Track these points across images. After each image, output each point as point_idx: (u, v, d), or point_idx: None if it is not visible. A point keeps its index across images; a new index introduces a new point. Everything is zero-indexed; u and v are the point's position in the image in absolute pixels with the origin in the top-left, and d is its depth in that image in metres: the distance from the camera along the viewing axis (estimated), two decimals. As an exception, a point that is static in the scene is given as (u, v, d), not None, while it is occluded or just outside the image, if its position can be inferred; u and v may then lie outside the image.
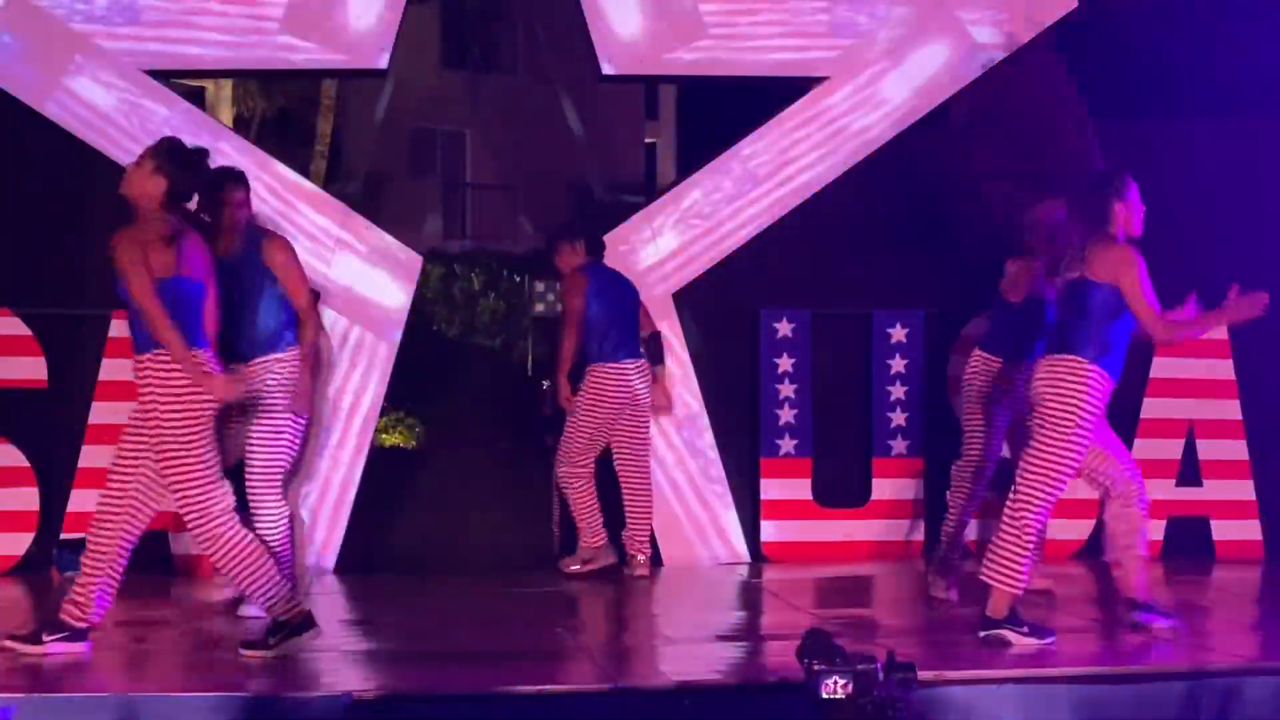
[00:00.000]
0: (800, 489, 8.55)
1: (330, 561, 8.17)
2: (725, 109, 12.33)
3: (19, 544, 7.98)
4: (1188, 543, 8.62)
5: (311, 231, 8.27)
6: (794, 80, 8.74)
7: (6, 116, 8.10)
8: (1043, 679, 5.40)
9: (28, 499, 7.99)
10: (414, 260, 8.44)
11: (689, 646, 6.28)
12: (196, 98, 10.18)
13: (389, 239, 8.41)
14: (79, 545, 7.86)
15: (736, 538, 8.54)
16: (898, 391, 8.63)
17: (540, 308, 19.65)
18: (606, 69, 8.58)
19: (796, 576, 8.05)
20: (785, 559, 8.48)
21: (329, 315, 8.21)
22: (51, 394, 8.02)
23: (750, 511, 8.57)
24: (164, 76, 8.36)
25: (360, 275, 8.28)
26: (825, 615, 6.93)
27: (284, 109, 23.48)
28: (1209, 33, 9.69)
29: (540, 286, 15.39)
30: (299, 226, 8.25)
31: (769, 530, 8.55)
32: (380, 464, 8.39)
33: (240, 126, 23.42)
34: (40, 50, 8.08)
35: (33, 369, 7.99)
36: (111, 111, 8.12)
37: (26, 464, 7.99)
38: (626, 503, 8.20)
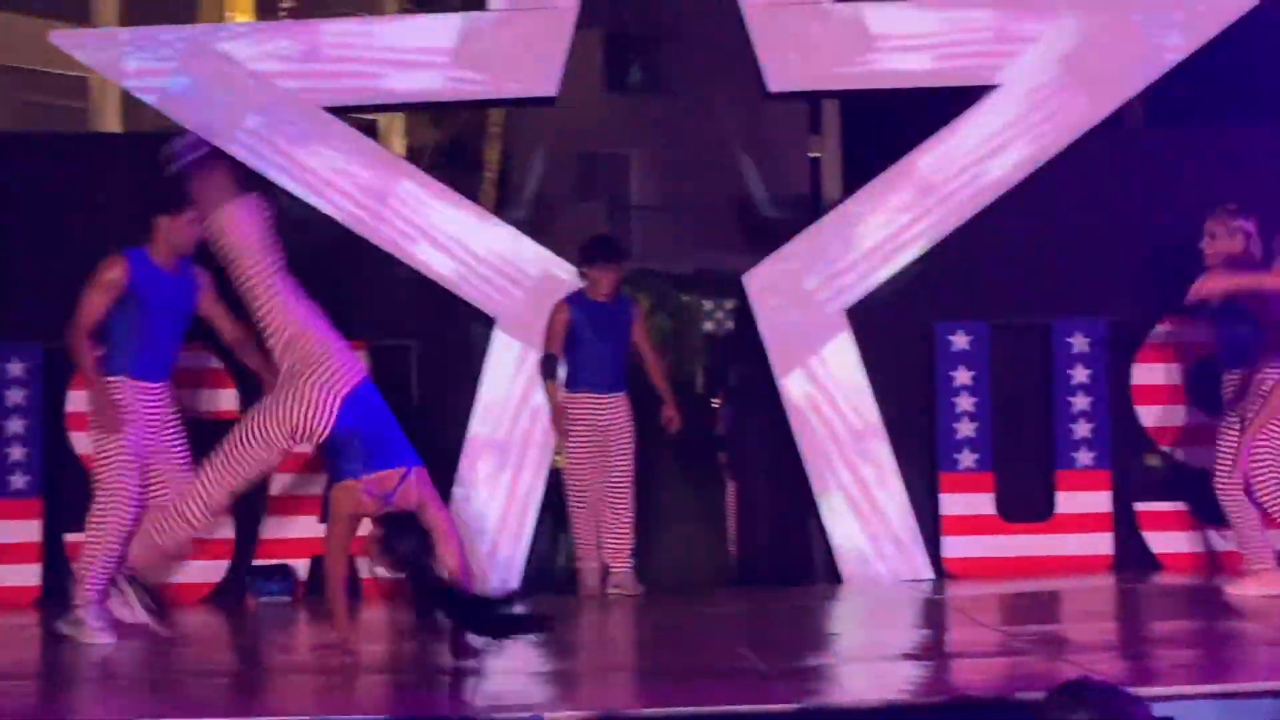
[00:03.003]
0: (982, 504, 8.42)
1: (514, 582, 8.26)
2: (890, 121, 12.21)
3: (215, 572, 8.21)
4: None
5: (485, 257, 8.39)
6: (962, 90, 8.65)
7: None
8: (1244, 694, 5.24)
9: (223, 527, 8.22)
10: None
11: (874, 665, 6.22)
12: (369, 130, 10.41)
13: (561, 262, 8.51)
14: (273, 571, 8.16)
15: (917, 554, 8.44)
16: (1081, 402, 8.47)
17: (709, 326, 19.69)
18: (772, 86, 8.57)
19: (981, 592, 7.93)
20: (968, 574, 8.36)
21: (504, 338, 8.33)
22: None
23: (930, 527, 8.47)
24: (341, 112, 8.56)
25: (533, 299, 8.37)
26: (1014, 632, 6.81)
27: (454, 138, 23.89)
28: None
29: (708, 305, 15.37)
30: (472, 253, 8.38)
31: (951, 546, 8.44)
32: (558, 485, 8.47)
33: (412, 157, 23.90)
34: (222, 91, 8.33)
35: (225, 400, 8.22)
36: (293, 149, 8.34)
37: (220, 493, 8.21)
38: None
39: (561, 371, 8.24)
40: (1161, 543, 8.41)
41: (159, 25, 8.73)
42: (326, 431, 6.12)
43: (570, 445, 8.25)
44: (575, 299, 8.27)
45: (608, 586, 8.18)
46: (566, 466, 8.26)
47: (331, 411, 6.13)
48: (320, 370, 6.21)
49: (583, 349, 8.20)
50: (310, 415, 6.12)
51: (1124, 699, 3.46)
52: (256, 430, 6.28)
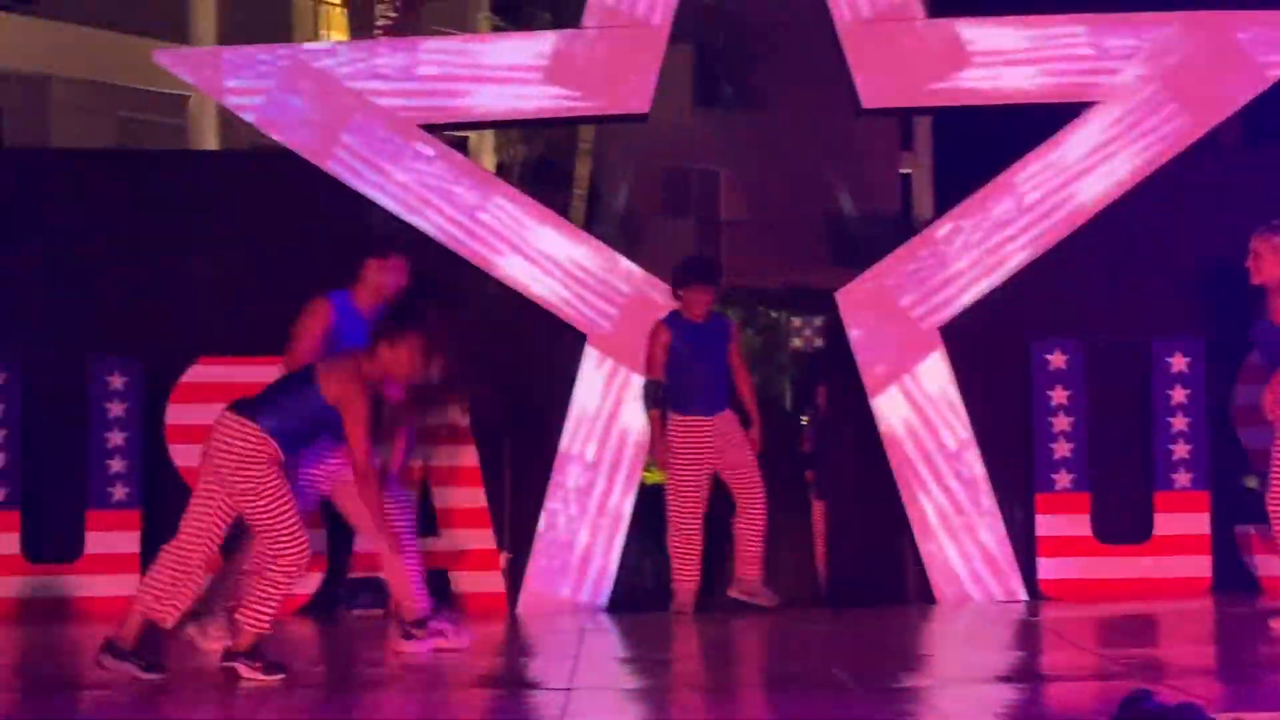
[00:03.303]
0: (1079, 524, 8.32)
1: (603, 599, 8.27)
2: (983, 138, 12.11)
3: (309, 583, 8.29)
4: None
5: (577, 274, 8.42)
6: (1058, 106, 8.57)
7: (293, 173, 8.47)
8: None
9: (316, 540, 8.29)
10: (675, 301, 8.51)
11: (969, 687, 6.15)
12: (460, 147, 10.50)
13: (653, 279, 8.51)
14: (365, 584, 8.22)
15: (1011, 575, 8.35)
16: (1179, 423, 8.34)
17: (798, 343, 19.59)
18: (866, 103, 8.53)
19: (1077, 614, 7.82)
20: (1064, 596, 8.26)
21: (595, 354, 8.35)
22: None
23: (1025, 547, 8.37)
24: (436, 129, 8.63)
25: (625, 316, 8.38)
26: (1112, 655, 6.71)
27: (544, 154, 24.01)
28: None
29: (797, 322, 15.30)
30: (564, 269, 8.42)
31: (1046, 567, 8.34)
32: (647, 501, 8.47)
33: (502, 172, 24.05)
34: (319, 110, 8.43)
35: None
36: (389, 166, 8.42)
37: (315, 507, 8.30)
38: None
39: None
40: (1263, 566, 8.26)
41: (257, 45, 8.86)
42: None
43: (676, 467, 8.21)
44: (673, 320, 8.26)
45: (737, 593, 8.17)
46: (671, 488, 8.23)
47: None
48: None
49: (683, 371, 8.18)
50: None
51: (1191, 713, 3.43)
52: None
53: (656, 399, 8.17)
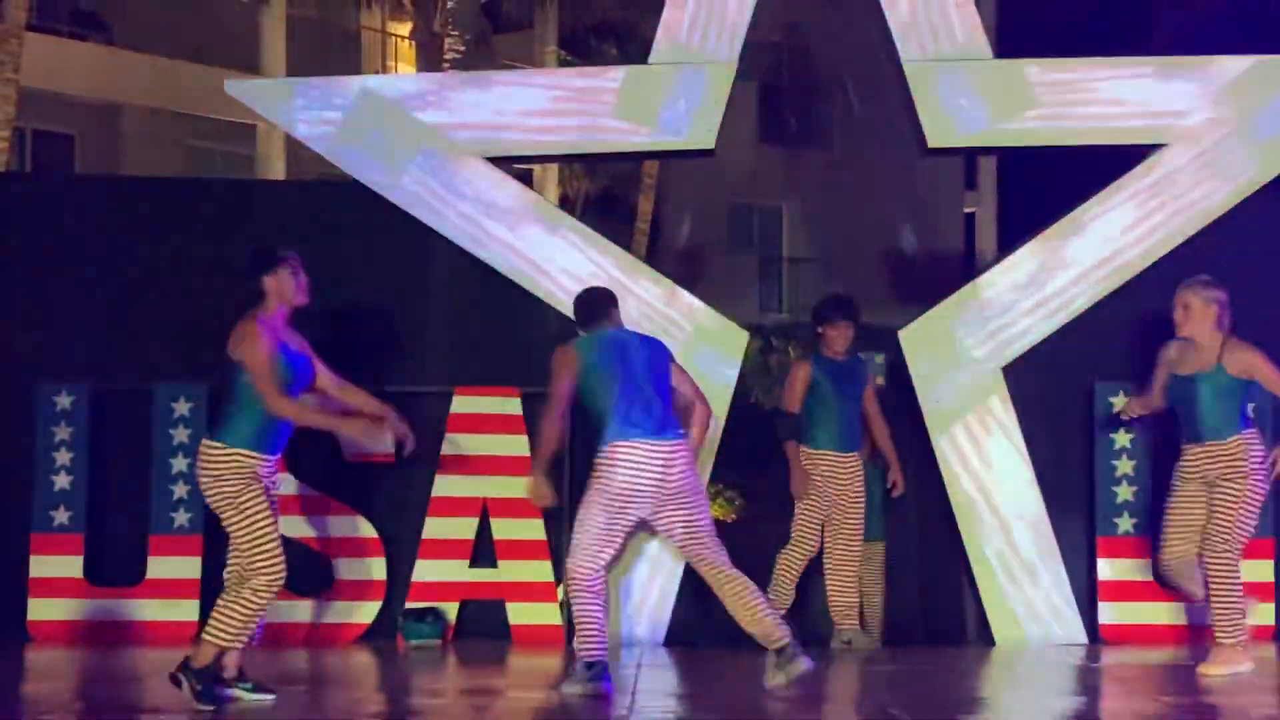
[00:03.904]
0: (1140, 569, 8.23)
1: (660, 635, 8.26)
2: (1048, 178, 12.05)
3: (368, 613, 8.33)
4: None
5: (640, 307, 8.43)
6: (1124, 149, 8.52)
7: (359, 203, 8.55)
8: None
9: (377, 569, 8.34)
10: (739, 335, 8.52)
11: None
12: (524, 179, 10.53)
13: (714, 314, 8.51)
14: (423, 614, 8.25)
15: (1072, 618, 8.26)
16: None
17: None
18: (932, 141, 8.52)
19: (1137, 659, 7.73)
20: (1124, 641, 8.16)
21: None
22: (398, 468, 8.38)
23: (1086, 591, 8.29)
24: (502, 162, 8.68)
25: (688, 350, 8.39)
26: (1170, 702, 6.63)
27: (607, 188, 24.08)
28: None
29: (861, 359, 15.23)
30: (626, 303, 8.41)
31: (1107, 611, 8.25)
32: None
33: (565, 205, 24.14)
34: (387, 141, 8.50)
35: (381, 444, 8.33)
36: (454, 198, 8.48)
37: (375, 535, 8.36)
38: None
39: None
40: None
41: (328, 76, 8.96)
42: None
43: (804, 504, 8.23)
44: (815, 357, 8.33)
45: (837, 641, 8.21)
46: (797, 524, 8.23)
47: None
48: None
49: (822, 407, 8.22)
50: None
51: None
52: None
53: (794, 432, 8.22)
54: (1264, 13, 20.00)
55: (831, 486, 8.19)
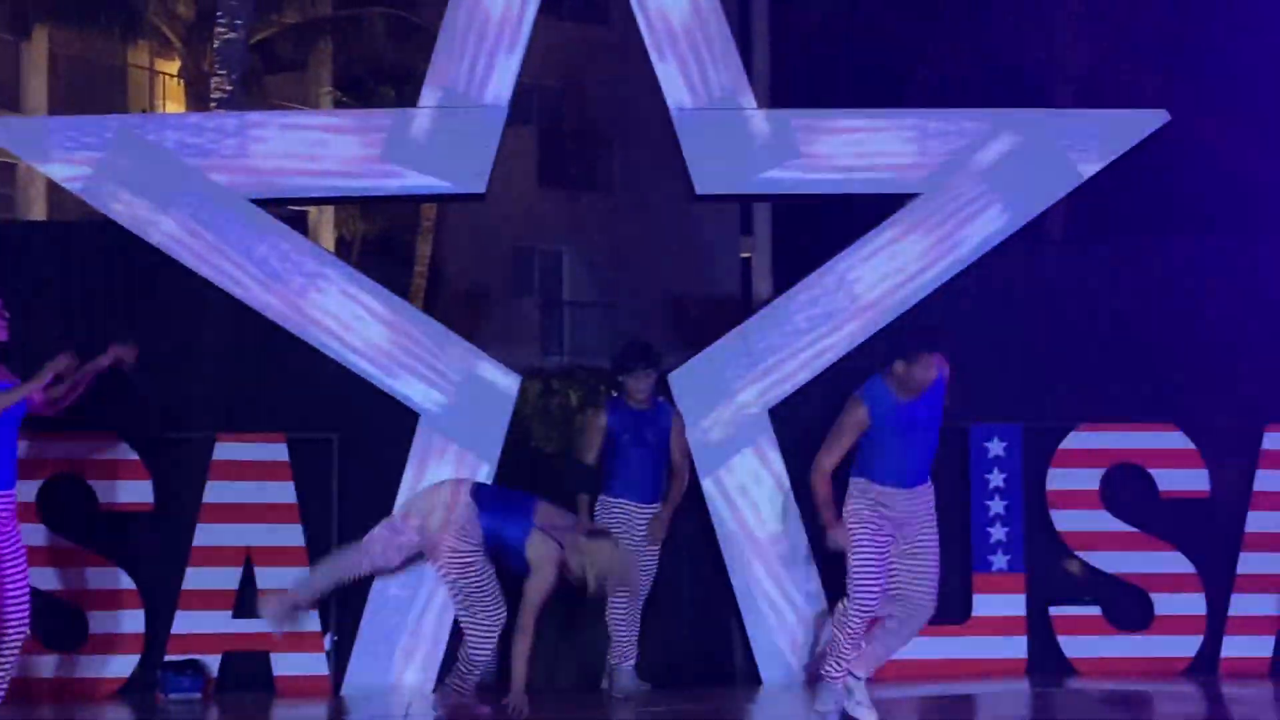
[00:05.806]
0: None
1: (432, 680, 8.18)
2: (820, 223, 12.35)
3: (125, 666, 8.07)
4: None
5: (413, 351, 8.36)
6: (886, 197, 8.77)
7: (119, 245, 8.33)
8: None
9: (133, 621, 8.09)
10: (512, 380, 8.50)
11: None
12: (299, 222, 10.36)
13: (488, 359, 8.49)
14: (183, 667, 8.03)
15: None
16: (997, 506, 8.54)
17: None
18: (699, 188, 8.66)
19: (901, 695, 7.88)
20: (889, 677, 8.34)
21: (428, 433, 8.30)
22: (157, 517, 8.16)
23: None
24: (270, 204, 8.56)
25: (460, 396, 8.35)
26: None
27: (385, 230, 23.88)
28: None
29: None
30: (402, 348, 8.37)
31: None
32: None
33: (342, 248, 23.87)
34: (149, 182, 8.31)
35: (139, 492, 8.13)
36: (217, 239, 8.32)
37: (133, 587, 8.12)
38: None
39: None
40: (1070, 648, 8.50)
41: (88, 114, 8.72)
42: None
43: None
44: (610, 404, 8.27)
45: (609, 683, 8.17)
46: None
47: None
48: None
49: (620, 457, 8.16)
50: None
51: None
52: None
53: (584, 482, 8.12)
54: (1009, 73, 21.44)
55: (626, 538, 8.01)
